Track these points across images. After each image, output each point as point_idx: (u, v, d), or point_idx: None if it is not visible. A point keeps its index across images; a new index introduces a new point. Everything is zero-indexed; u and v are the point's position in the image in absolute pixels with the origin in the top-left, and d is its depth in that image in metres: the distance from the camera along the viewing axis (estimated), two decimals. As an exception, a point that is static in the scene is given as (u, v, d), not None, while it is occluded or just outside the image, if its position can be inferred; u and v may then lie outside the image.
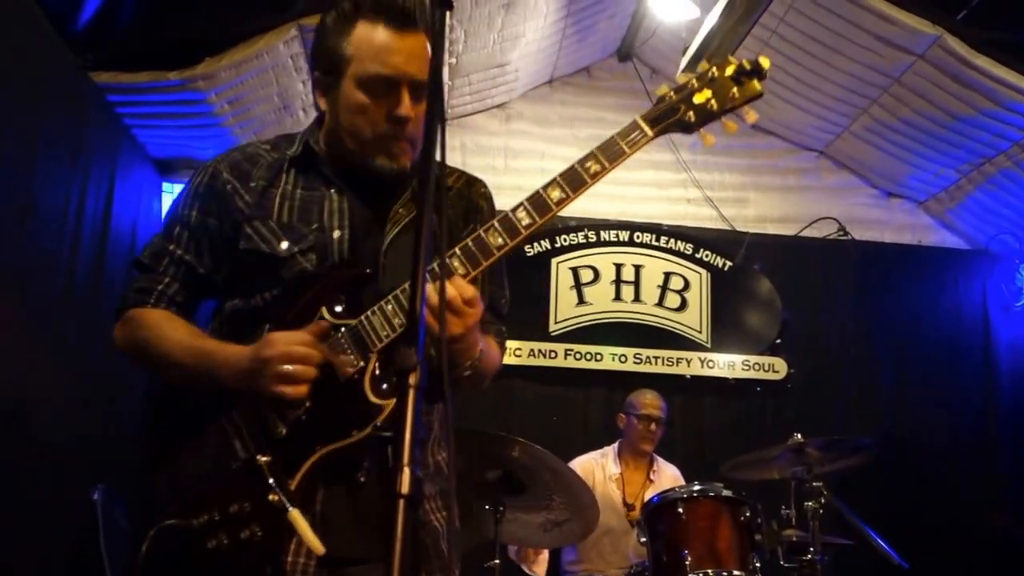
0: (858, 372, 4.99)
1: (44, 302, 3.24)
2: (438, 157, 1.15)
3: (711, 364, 4.84)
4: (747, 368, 4.86)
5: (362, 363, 1.46)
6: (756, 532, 3.22)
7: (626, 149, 1.53)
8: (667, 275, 4.95)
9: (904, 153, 4.94)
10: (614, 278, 4.91)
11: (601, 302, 4.86)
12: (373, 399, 1.45)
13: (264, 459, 1.43)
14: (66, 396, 3.39)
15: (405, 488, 1.03)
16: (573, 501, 3.16)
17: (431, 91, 1.17)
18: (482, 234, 1.48)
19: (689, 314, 4.91)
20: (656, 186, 5.22)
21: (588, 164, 1.51)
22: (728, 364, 4.85)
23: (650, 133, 1.55)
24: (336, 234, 1.55)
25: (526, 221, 1.48)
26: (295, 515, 1.39)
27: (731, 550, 3.13)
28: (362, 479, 1.49)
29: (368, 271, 1.52)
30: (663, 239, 5.00)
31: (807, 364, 4.93)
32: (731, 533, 3.16)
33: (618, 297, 4.89)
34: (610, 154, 1.52)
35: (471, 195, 1.67)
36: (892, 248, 5.23)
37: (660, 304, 4.91)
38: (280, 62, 3.79)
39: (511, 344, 4.64)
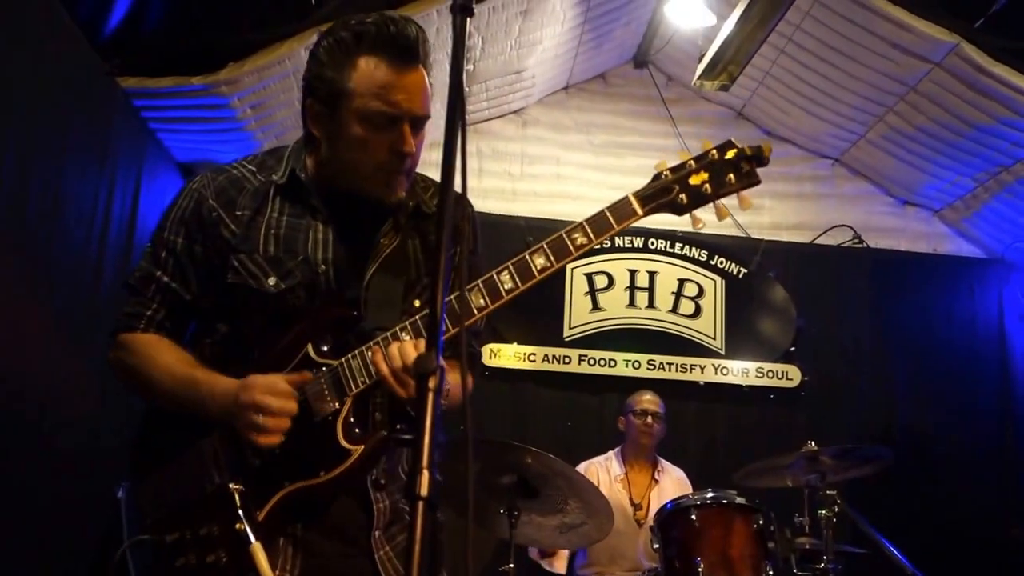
0: (873, 380, 4.98)
1: (71, 303, 3.29)
2: (455, 163, 1.15)
3: (725, 371, 4.85)
4: (761, 375, 4.87)
5: (337, 405, 1.49)
6: (769, 540, 3.23)
7: (614, 225, 1.56)
8: (681, 282, 4.97)
9: (920, 161, 4.93)
10: (628, 284, 4.92)
11: (615, 308, 4.88)
12: (344, 443, 1.48)
13: (236, 487, 1.46)
14: (91, 395, 3.44)
15: (424, 490, 1.04)
16: (587, 505, 3.18)
17: (451, 98, 1.16)
18: (466, 293, 1.49)
19: (703, 321, 4.92)
20: (671, 192, 5.23)
21: (575, 235, 1.54)
22: (742, 371, 4.86)
23: (640, 212, 1.58)
24: (322, 268, 1.56)
25: (508, 285, 1.51)
26: (256, 549, 1.42)
27: (744, 558, 3.14)
28: (383, 481, 1.55)
29: (355, 313, 1.54)
30: (677, 246, 5.01)
31: (821, 372, 4.93)
32: (744, 540, 3.17)
33: (632, 303, 4.91)
34: (597, 228, 1.55)
35: (455, 216, 1.69)
36: (907, 256, 5.22)
37: (674, 311, 4.92)
38: (301, 68, 3.78)
39: (525, 349, 4.69)
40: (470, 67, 4.52)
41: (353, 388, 1.49)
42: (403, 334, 1.49)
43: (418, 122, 1.55)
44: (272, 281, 1.54)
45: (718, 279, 4.99)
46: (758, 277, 5.02)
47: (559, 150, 5.18)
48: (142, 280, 1.62)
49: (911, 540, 3.50)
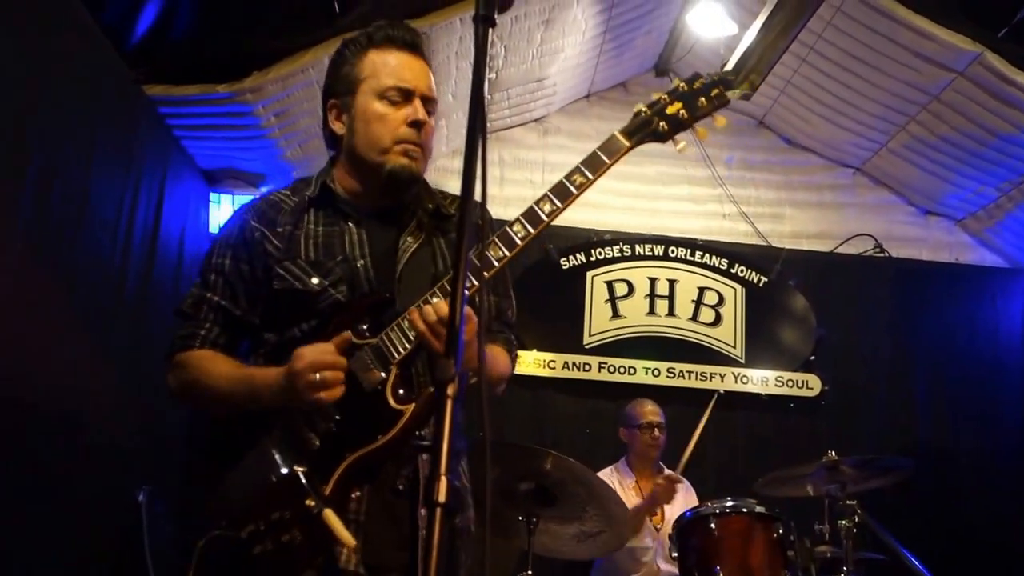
0: (894, 390, 4.94)
1: (95, 306, 3.32)
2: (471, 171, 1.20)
3: (745, 380, 4.83)
4: (780, 384, 4.84)
5: (383, 375, 1.58)
6: (789, 549, 3.21)
7: (606, 160, 1.69)
8: (701, 290, 4.96)
9: (943, 171, 4.90)
10: (648, 292, 4.92)
11: (635, 316, 4.87)
12: (394, 405, 1.57)
13: (300, 469, 1.55)
14: (113, 398, 3.46)
15: (442, 497, 1.07)
16: (606, 513, 3.18)
17: (472, 104, 1.20)
18: (484, 249, 1.61)
19: (723, 329, 4.91)
20: (692, 201, 5.24)
21: (574, 177, 1.68)
22: (762, 380, 4.84)
23: (627, 144, 1.72)
24: (360, 263, 1.69)
25: (521, 233, 1.64)
26: (328, 514, 1.51)
27: (763, 567, 3.12)
28: (400, 487, 1.61)
29: (388, 295, 1.65)
30: (698, 254, 5.00)
31: (842, 381, 4.90)
32: (763, 549, 3.16)
33: (652, 311, 4.90)
34: (592, 166, 1.69)
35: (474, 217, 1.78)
36: (929, 266, 5.18)
37: (694, 319, 4.91)
38: (325, 75, 3.88)
39: (545, 356, 4.69)
40: (492, 75, 4.54)
41: (396, 356, 1.59)
42: (433, 299, 1.60)
43: (427, 102, 1.74)
44: (315, 280, 1.66)
45: (738, 287, 4.98)
46: (778, 286, 5.00)
47: (580, 158, 5.10)
48: (194, 305, 1.74)
49: (931, 550, 3.47)
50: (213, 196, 4.48)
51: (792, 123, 5.26)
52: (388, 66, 1.71)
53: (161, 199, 3.85)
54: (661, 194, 5.19)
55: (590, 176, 1.68)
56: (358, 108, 1.71)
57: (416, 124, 1.69)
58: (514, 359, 1.85)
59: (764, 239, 5.17)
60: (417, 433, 1.59)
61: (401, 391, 1.58)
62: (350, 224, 1.72)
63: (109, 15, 3.23)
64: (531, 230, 1.64)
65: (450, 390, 1.14)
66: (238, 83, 3.64)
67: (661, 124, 1.73)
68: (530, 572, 3.06)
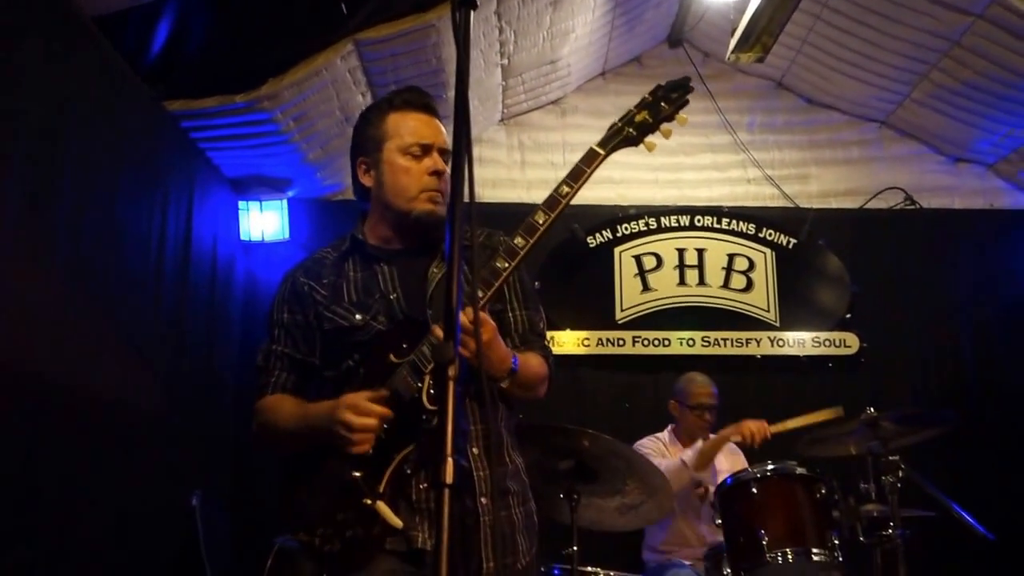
0: (935, 342, 4.87)
1: (135, 322, 3.39)
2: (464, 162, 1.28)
3: (781, 343, 4.81)
4: (818, 345, 4.81)
5: (419, 384, 1.78)
6: (833, 508, 3.21)
7: (585, 169, 1.90)
8: (731, 256, 4.93)
9: (970, 116, 4.79)
10: (677, 263, 4.91)
11: (666, 288, 4.87)
12: (429, 406, 1.78)
13: (357, 474, 1.77)
14: (157, 406, 3.54)
15: (449, 478, 1.12)
16: (646, 485, 3.21)
17: (457, 107, 1.29)
18: (491, 262, 1.82)
19: (756, 294, 4.88)
20: (715, 169, 5.20)
21: (560, 188, 1.88)
22: (798, 342, 4.81)
23: (602, 152, 1.93)
24: (393, 296, 1.92)
25: (521, 243, 1.83)
26: (380, 505, 1.74)
27: (808, 528, 3.13)
28: (409, 471, 1.77)
29: (421, 319, 1.86)
30: (724, 221, 4.97)
31: (881, 338, 4.84)
32: (807, 511, 3.16)
33: (683, 282, 4.90)
34: (574, 176, 1.89)
35: (492, 244, 1.96)
36: (963, 214, 5.08)
37: (725, 286, 4.89)
38: (339, 77, 3.93)
39: (579, 335, 4.73)
40: (504, 61, 4.56)
41: (427, 366, 1.77)
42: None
43: (443, 153, 1.96)
44: (358, 316, 1.89)
45: (768, 251, 4.94)
46: (809, 247, 4.95)
47: (600, 136, 5.15)
48: (264, 358, 2.00)
49: (982, 502, 3.43)
50: (241, 204, 4.57)
51: (811, 82, 5.19)
52: (408, 126, 1.95)
53: (191, 211, 3.93)
54: (684, 164, 5.17)
55: (573, 185, 1.87)
56: (385, 164, 1.94)
57: (437, 173, 1.92)
58: (550, 366, 2.01)
59: (791, 201, 5.12)
60: (423, 417, 1.76)
61: (432, 391, 1.76)
62: (382, 265, 1.95)
63: (126, 38, 3.31)
64: (529, 239, 1.82)
65: (451, 371, 1.18)
66: (255, 91, 3.70)
67: (629, 131, 1.94)
68: (575, 548, 3.11)
